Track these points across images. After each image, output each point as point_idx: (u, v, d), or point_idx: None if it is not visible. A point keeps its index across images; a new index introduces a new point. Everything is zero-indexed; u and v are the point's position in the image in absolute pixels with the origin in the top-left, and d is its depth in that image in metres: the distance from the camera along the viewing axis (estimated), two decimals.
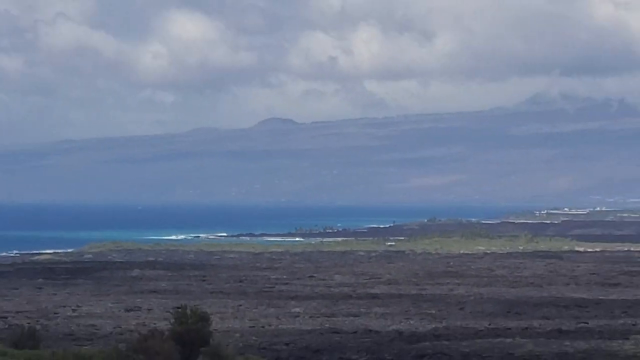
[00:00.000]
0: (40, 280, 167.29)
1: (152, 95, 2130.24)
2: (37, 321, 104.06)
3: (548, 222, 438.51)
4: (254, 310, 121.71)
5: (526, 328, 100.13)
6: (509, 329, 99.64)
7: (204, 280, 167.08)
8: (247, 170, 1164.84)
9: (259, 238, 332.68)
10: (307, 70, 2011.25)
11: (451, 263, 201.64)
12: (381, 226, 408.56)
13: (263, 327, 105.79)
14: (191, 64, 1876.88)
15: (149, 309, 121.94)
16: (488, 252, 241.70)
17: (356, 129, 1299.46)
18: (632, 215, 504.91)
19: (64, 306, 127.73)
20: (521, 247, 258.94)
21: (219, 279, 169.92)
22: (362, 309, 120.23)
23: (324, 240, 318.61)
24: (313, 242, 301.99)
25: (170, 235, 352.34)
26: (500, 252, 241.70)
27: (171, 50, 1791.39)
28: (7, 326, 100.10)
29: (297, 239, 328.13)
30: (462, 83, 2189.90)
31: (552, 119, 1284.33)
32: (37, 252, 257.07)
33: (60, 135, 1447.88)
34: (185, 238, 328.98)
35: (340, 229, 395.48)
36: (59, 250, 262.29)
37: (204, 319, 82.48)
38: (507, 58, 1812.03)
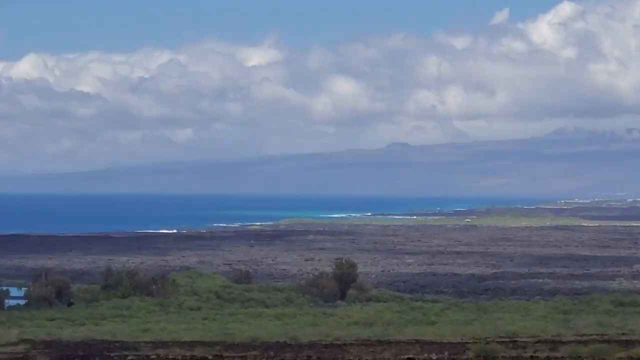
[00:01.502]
0: (252, 241, 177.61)
1: (321, 128, 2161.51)
2: (250, 267, 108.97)
3: (565, 207, 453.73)
4: (383, 260, 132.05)
5: (551, 273, 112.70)
6: (540, 273, 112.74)
7: (353, 242, 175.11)
8: (382, 175, 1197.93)
9: (387, 216, 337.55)
10: (416, 113, 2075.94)
11: (504, 232, 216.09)
12: (461, 209, 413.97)
13: (389, 271, 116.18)
14: (345, 109, 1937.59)
15: (319, 260, 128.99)
16: (527, 226, 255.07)
17: (446, 150, 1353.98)
18: (617, 203, 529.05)
19: (266, 257, 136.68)
20: (548, 223, 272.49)
21: (362, 241, 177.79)
22: (449, 260, 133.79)
23: (427, 217, 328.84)
24: (420, 219, 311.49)
25: (333, 214, 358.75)
26: (535, 226, 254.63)
27: (334, 100, 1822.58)
28: (232, 269, 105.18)
29: (411, 217, 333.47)
30: (512, 122, 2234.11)
31: (568, 144, 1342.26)
32: (249, 223, 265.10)
33: (264, 152, 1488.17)
34: (342, 216, 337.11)
35: (437, 211, 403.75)
36: (264, 223, 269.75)
37: (353, 266, 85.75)
38: (540, 105, 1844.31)
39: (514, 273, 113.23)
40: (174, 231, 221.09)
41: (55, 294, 72.71)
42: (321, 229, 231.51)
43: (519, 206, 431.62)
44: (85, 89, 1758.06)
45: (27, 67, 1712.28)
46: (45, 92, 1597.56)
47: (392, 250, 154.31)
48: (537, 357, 34.78)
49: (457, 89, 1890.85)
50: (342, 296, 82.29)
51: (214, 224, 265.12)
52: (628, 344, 34.65)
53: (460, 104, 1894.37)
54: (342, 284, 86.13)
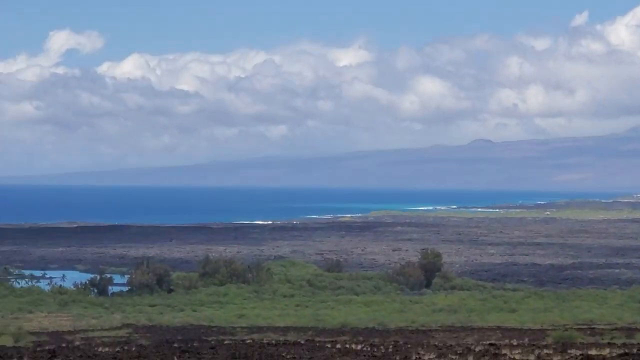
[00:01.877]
0: (342, 232, 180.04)
1: (408, 125, 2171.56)
2: (340, 256, 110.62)
3: None
4: (467, 251, 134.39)
5: (627, 263, 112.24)
6: (617, 263, 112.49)
7: (438, 233, 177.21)
8: (466, 170, 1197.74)
9: (471, 209, 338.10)
10: (499, 111, 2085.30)
11: (583, 225, 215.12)
12: (542, 202, 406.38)
13: (472, 261, 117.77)
14: (431, 107, 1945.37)
15: (406, 250, 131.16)
16: (605, 218, 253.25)
17: (527, 146, 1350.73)
18: None
19: (356, 248, 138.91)
20: (625, 216, 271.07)
21: (447, 233, 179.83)
22: (530, 251, 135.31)
23: (509, 210, 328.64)
24: (502, 212, 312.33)
25: (420, 207, 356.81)
26: (612, 218, 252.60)
27: (420, 98, 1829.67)
28: (323, 259, 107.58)
29: (493, 209, 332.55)
30: (590, 119, 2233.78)
31: None
32: (340, 215, 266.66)
33: (354, 148, 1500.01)
34: (428, 209, 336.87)
35: (518, 204, 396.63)
36: (354, 215, 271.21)
37: (438, 255, 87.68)
38: (617, 104, 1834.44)
39: (591, 263, 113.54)
40: (269, 222, 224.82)
41: (156, 281, 74.45)
42: (408, 220, 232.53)
43: (597, 200, 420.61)
44: (185, 87, 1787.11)
45: (130, 67, 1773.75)
46: (148, 91, 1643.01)
47: (475, 241, 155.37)
48: (614, 344, 34.36)
49: (538, 88, 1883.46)
50: (428, 284, 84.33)
51: (307, 216, 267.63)
52: None
53: (540, 102, 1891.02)
54: (428, 273, 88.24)
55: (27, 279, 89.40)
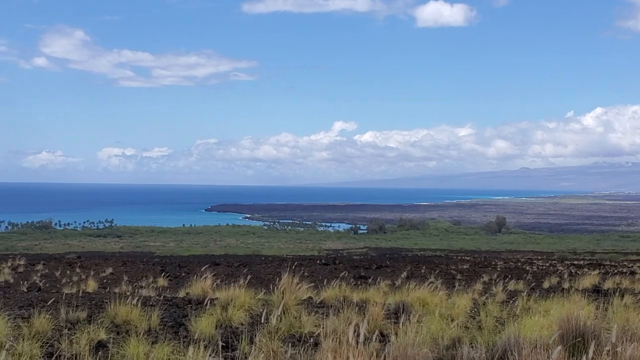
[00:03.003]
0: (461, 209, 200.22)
1: None
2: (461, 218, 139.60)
3: None
4: (513, 217, 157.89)
5: (592, 223, 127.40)
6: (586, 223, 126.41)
7: (504, 208, 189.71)
8: None
9: None
10: None
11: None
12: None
13: (517, 221, 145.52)
14: None
15: (488, 214, 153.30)
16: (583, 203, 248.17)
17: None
18: None
19: (470, 215, 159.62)
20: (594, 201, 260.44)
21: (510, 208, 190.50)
22: (543, 215, 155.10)
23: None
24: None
25: None
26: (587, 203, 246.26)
27: None
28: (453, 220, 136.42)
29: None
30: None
31: None
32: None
33: None
34: None
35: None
36: None
37: (503, 218, 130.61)
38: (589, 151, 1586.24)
39: (573, 222, 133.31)
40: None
41: (379, 227, 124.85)
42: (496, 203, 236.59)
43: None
44: None
45: None
46: None
47: (519, 212, 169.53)
48: (584, 258, 50.21)
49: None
50: (499, 231, 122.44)
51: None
52: None
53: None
54: (499, 226, 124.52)
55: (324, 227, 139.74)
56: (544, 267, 39.73)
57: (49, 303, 11.85)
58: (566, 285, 21.95)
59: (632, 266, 38.79)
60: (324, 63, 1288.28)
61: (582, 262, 45.01)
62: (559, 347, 4.15)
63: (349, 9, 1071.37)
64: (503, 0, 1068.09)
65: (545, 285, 23.11)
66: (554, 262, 46.58)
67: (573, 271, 33.38)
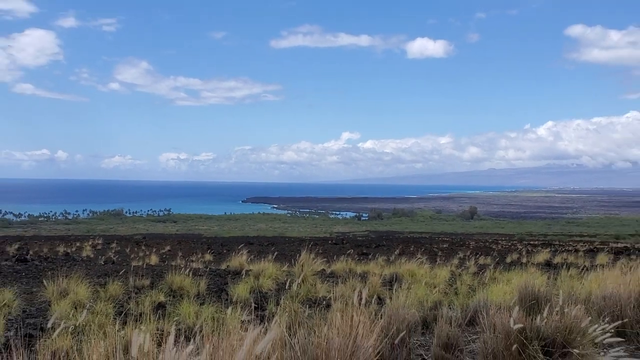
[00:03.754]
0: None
1: None
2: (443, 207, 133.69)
3: None
4: (483, 207, 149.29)
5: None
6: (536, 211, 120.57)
7: (476, 200, 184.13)
8: None
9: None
10: None
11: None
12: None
13: (487, 210, 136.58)
14: None
15: (463, 205, 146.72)
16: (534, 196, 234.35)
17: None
18: None
19: (450, 206, 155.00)
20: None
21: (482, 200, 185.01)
22: (501, 206, 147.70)
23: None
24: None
25: None
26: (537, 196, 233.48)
27: None
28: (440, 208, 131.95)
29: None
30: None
31: None
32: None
33: None
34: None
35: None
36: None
37: (475, 207, 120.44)
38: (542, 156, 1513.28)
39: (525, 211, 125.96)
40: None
41: (377, 215, 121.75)
42: (471, 196, 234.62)
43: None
44: None
45: None
46: None
47: (488, 204, 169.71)
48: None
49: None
50: (472, 217, 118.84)
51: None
52: None
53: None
54: (471, 214, 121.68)
55: (334, 214, 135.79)
56: (507, 246, 39.55)
57: (120, 273, 11.94)
58: (524, 260, 21.81)
59: (575, 245, 38.55)
60: (335, 86, 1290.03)
61: (536, 242, 44.87)
62: (517, 308, 4.12)
63: (354, 44, 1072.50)
64: (475, 37, 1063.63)
65: (508, 260, 22.98)
66: (514, 242, 46.47)
67: (529, 249, 33.20)
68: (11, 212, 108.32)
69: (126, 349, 2.36)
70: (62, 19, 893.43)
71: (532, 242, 45.05)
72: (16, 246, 28.93)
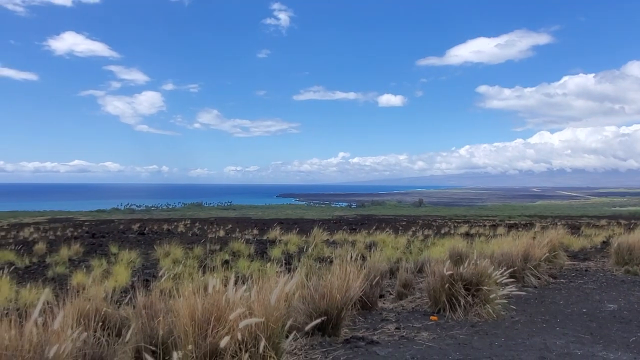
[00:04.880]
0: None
1: None
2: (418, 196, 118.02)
3: None
4: (428, 198, 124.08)
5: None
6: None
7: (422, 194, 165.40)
8: None
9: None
10: None
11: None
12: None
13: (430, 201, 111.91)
14: None
15: (419, 197, 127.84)
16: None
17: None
18: None
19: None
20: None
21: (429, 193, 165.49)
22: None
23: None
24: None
25: None
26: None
27: None
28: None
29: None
30: None
31: None
32: None
33: None
34: None
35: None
36: None
37: (422, 199, 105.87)
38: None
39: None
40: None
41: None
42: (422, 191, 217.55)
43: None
44: None
45: None
46: None
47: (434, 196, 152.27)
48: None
49: None
50: (420, 205, 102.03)
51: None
52: None
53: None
54: (418, 203, 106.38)
55: (334, 204, 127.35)
56: (442, 223, 38.94)
57: (201, 242, 11.94)
58: (452, 232, 21.63)
59: (484, 223, 37.98)
60: (334, 123, 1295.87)
61: (460, 221, 43.45)
62: (449, 262, 4.14)
63: (345, 97, 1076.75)
64: (420, 93, 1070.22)
65: (442, 232, 22.79)
66: (446, 220, 45.20)
67: (455, 225, 32.79)
68: (135, 204, 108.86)
69: (205, 289, 2.41)
70: (164, 84, 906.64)
71: (457, 221, 44.17)
72: (138, 225, 29.01)
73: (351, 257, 3.65)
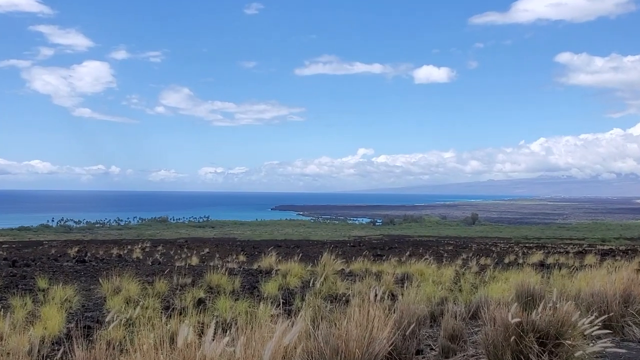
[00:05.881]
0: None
1: None
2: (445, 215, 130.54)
3: None
4: (485, 212, 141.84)
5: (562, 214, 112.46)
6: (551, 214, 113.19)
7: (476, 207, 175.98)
8: None
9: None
10: None
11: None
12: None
13: (488, 216, 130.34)
14: None
15: (465, 211, 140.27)
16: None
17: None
18: None
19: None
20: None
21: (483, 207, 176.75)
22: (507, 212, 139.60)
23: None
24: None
25: None
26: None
27: None
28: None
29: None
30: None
31: None
32: None
33: None
34: None
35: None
36: None
37: (477, 214, 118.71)
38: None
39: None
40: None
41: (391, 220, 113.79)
42: (476, 203, 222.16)
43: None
44: None
45: None
46: None
47: (493, 210, 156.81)
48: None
49: None
50: (473, 223, 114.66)
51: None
52: None
53: None
54: (473, 220, 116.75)
55: (352, 220, 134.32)
56: (505, 248, 38.96)
57: (165, 272, 12.02)
58: (520, 261, 21.47)
59: (566, 248, 37.86)
60: (351, 108, 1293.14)
61: (531, 245, 44.26)
62: (515, 304, 4.07)
63: (368, 71, 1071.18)
64: (474, 64, 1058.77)
65: (506, 261, 22.65)
66: (512, 245, 45.80)
67: (525, 251, 32.68)
68: (72, 220, 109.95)
69: (172, 340, 2.38)
70: (114, 51, 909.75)
71: (527, 245, 44.38)
72: (76, 249, 29.32)
73: (376, 296, 3.61)
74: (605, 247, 36.85)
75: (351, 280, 9.65)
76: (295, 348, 2.80)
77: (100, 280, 9.33)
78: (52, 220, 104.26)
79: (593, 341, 4.08)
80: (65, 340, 4.14)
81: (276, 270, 11.66)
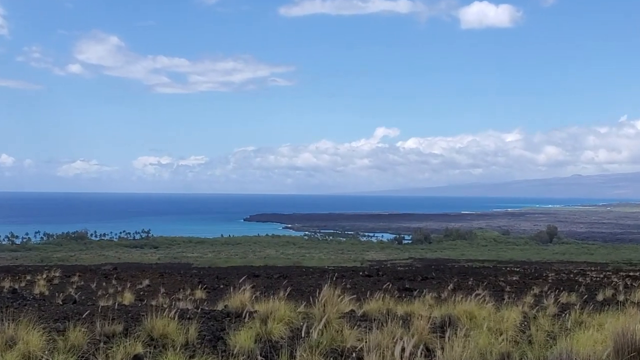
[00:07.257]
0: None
1: None
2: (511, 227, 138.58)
3: None
4: (565, 226, 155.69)
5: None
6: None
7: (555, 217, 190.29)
8: None
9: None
10: None
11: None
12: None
13: (569, 230, 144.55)
14: None
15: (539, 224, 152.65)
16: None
17: None
18: None
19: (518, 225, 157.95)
20: None
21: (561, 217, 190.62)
22: (594, 224, 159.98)
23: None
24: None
25: None
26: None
27: None
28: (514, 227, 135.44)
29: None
30: None
31: None
32: None
33: None
34: None
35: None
36: None
37: (555, 228, 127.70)
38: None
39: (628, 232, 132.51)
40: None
41: (424, 237, 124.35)
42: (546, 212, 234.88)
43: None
44: None
45: None
46: None
47: (568, 222, 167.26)
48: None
49: None
50: (550, 241, 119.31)
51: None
52: None
53: None
54: (550, 235, 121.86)
55: (367, 237, 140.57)
56: (598, 278, 39.04)
57: (84, 316, 12.02)
58: (621, 297, 21.52)
59: None
60: (365, 67, 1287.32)
61: (638, 274, 44.29)
62: None
63: (389, 10, 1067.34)
64: (550, 0, 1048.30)
65: (599, 297, 22.69)
66: (608, 273, 45.89)
67: (629, 283, 32.77)
68: None
69: None
70: None
71: (631, 274, 44.49)
72: None
73: (403, 351, 3.63)
74: None
75: (365, 327, 9.64)
76: None
77: None
78: None
79: None
80: None
81: (252, 313, 11.68)
